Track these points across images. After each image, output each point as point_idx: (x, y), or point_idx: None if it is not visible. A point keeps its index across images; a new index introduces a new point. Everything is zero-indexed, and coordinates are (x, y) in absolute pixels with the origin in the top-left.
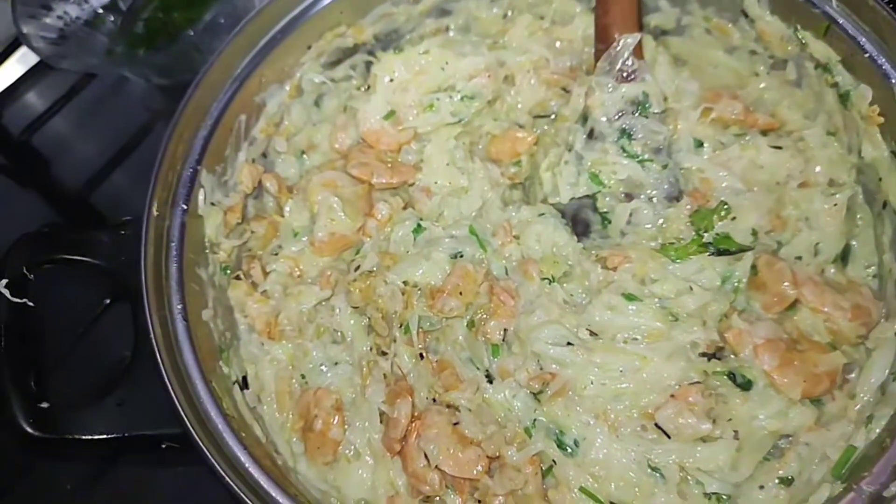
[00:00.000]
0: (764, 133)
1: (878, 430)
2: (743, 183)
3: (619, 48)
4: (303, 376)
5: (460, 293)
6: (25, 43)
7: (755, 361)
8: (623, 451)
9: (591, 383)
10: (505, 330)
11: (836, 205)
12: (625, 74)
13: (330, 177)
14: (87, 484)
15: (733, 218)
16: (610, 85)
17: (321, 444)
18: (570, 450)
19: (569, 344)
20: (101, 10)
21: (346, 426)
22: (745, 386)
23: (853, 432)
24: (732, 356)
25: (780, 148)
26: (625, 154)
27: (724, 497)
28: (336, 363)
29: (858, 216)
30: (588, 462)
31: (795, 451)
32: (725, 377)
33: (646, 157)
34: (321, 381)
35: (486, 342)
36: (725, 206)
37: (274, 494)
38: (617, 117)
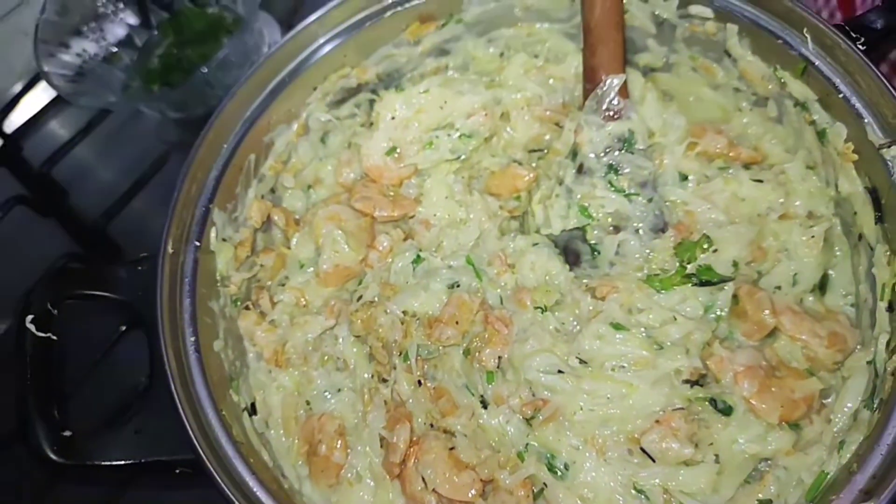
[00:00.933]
0: (747, 166)
1: (847, 456)
2: (725, 215)
3: (605, 88)
4: (308, 402)
5: (457, 322)
6: (46, 80)
7: (735, 388)
8: (610, 475)
9: (581, 409)
10: (499, 357)
11: (814, 236)
12: (611, 113)
13: (334, 210)
14: None
15: (715, 250)
16: (597, 123)
17: (325, 467)
18: (560, 473)
19: (559, 372)
20: (116, 49)
21: (348, 450)
22: (726, 411)
23: (827, 457)
24: (714, 383)
25: (761, 181)
26: (612, 188)
27: None
28: (339, 390)
29: (836, 247)
30: (577, 485)
31: (774, 474)
32: (707, 403)
33: (632, 191)
34: (325, 408)
35: (481, 369)
36: (708, 239)
37: None
38: (604, 153)
